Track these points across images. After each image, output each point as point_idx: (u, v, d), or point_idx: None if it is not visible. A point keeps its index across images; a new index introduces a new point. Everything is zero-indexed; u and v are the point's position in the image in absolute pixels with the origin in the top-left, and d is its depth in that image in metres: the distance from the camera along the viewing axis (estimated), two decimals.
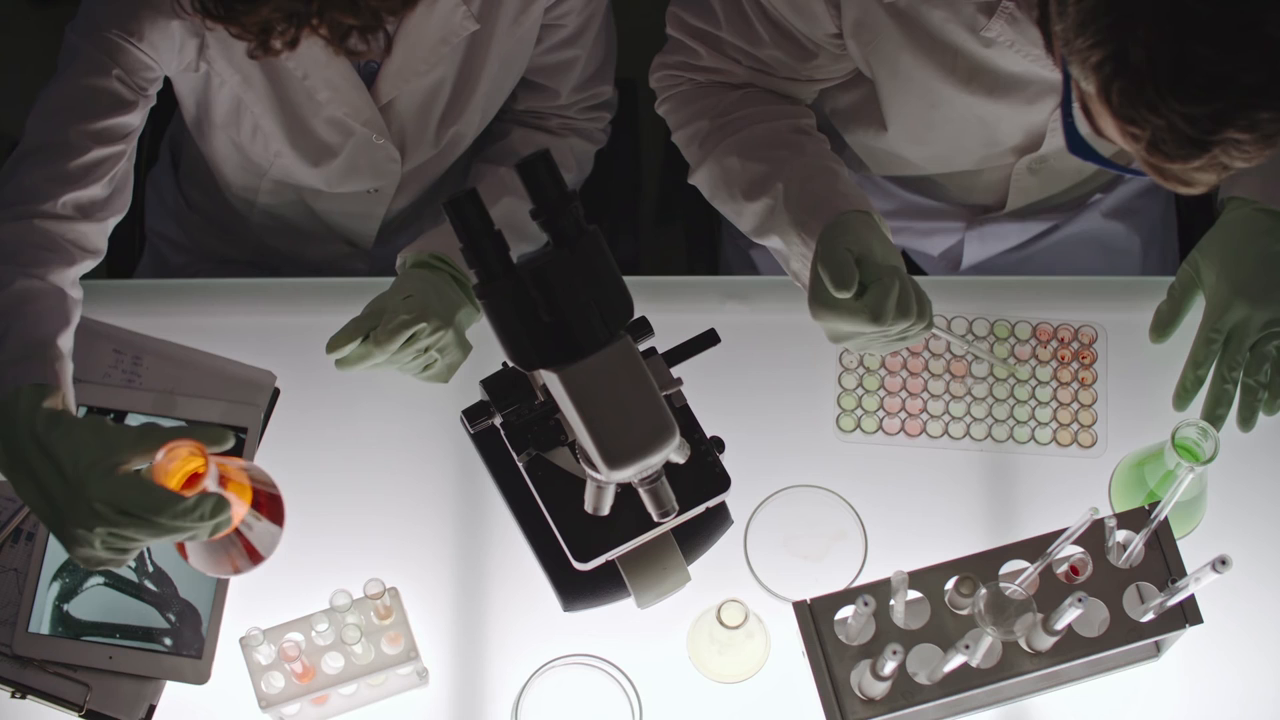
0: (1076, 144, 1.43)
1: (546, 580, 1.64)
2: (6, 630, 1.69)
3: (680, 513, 1.50)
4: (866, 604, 1.46)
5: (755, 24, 1.70)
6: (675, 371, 1.53)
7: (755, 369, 1.80)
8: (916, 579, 1.54)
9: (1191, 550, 1.60)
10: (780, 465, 1.74)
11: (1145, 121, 1.26)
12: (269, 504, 1.53)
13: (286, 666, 1.61)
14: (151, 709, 1.67)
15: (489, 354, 1.64)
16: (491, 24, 1.74)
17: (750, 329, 1.80)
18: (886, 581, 1.53)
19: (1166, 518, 1.53)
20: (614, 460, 1.37)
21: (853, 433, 1.78)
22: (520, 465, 1.55)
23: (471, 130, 1.88)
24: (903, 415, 1.79)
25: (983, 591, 1.49)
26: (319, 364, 1.72)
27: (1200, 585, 1.44)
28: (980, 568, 1.55)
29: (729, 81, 1.78)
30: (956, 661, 1.44)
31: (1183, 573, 1.55)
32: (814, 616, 1.54)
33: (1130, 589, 1.55)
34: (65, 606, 1.69)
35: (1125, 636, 1.53)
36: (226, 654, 1.68)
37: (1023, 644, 1.53)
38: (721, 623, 1.57)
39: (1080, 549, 1.55)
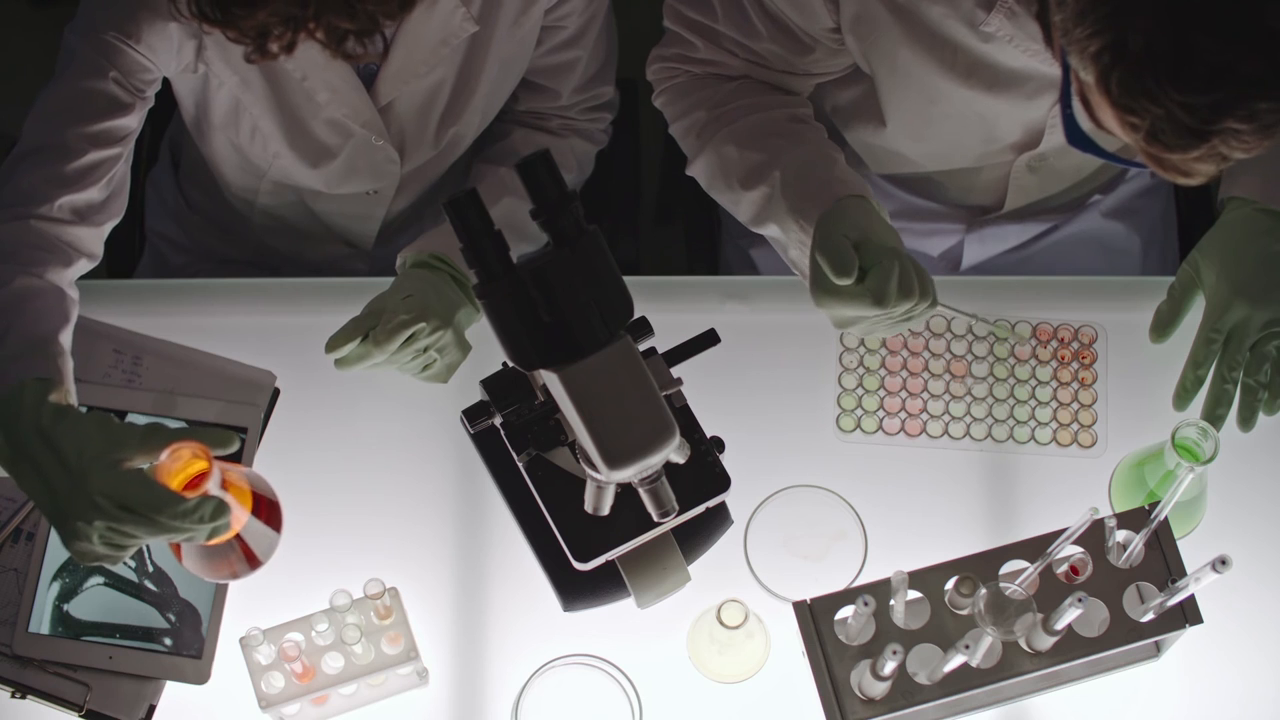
0: (1076, 136, 1.43)
1: (546, 580, 1.64)
2: (6, 630, 1.69)
3: (680, 513, 1.50)
4: (866, 604, 1.46)
5: (752, 18, 1.71)
6: (675, 371, 1.53)
7: (755, 369, 1.80)
8: (916, 579, 1.54)
9: (1191, 550, 1.60)
10: (780, 465, 1.74)
11: (1144, 111, 1.27)
12: (268, 510, 1.53)
13: (286, 666, 1.61)
14: (151, 709, 1.67)
15: (489, 354, 1.64)
16: (491, 26, 1.74)
17: (750, 329, 1.80)
18: (886, 581, 1.53)
19: (1166, 518, 1.53)
20: (614, 460, 1.37)
21: (853, 433, 1.78)
22: (520, 465, 1.55)
23: (471, 131, 1.88)
24: (903, 415, 1.79)
25: (983, 591, 1.49)
26: (319, 364, 1.72)
27: (1200, 585, 1.44)
28: (980, 568, 1.55)
29: (725, 74, 1.78)
30: (956, 661, 1.44)
31: (1183, 573, 1.55)
32: (814, 616, 1.54)
33: (1130, 589, 1.55)
34: (65, 606, 1.69)
35: (1125, 636, 1.53)
36: (226, 654, 1.68)
37: (1023, 644, 1.53)
38: (721, 623, 1.57)
39: (1080, 549, 1.55)
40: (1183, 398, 1.73)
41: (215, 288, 1.89)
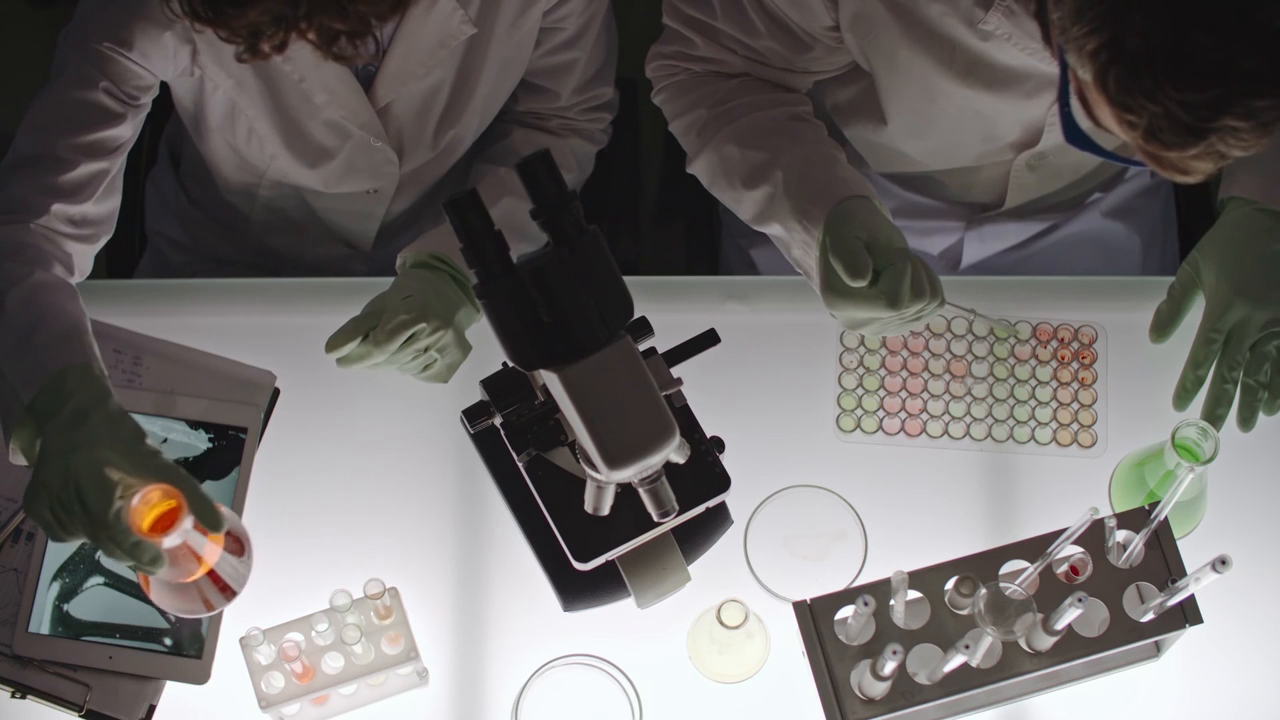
0: (1074, 134, 1.43)
1: (546, 580, 1.64)
2: (6, 630, 1.68)
3: (680, 513, 1.50)
4: (866, 604, 1.46)
5: (751, 15, 1.71)
6: (675, 371, 1.53)
7: (755, 369, 1.80)
8: (916, 579, 1.54)
9: (1191, 550, 1.60)
10: (780, 465, 1.74)
11: (1142, 109, 1.27)
12: (236, 545, 1.55)
13: (286, 666, 1.61)
14: (151, 709, 1.67)
15: (489, 354, 1.64)
16: (489, 28, 1.74)
17: (750, 329, 1.80)
18: (886, 581, 1.53)
19: (1166, 518, 1.53)
20: (614, 460, 1.37)
21: (853, 433, 1.78)
22: (520, 465, 1.55)
23: (470, 134, 1.88)
24: (903, 415, 1.79)
25: (983, 591, 1.49)
26: (319, 364, 1.72)
27: (1200, 585, 1.44)
28: (980, 568, 1.55)
29: (725, 71, 1.78)
30: (956, 661, 1.44)
31: (1183, 573, 1.55)
32: (814, 616, 1.54)
33: (1130, 589, 1.55)
34: (65, 606, 1.69)
35: (1125, 636, 1.53)
36: (226, 654, 1.68)
37: (1023, 644, 1.53)
38: (721, 623, 1.57)
39: (1080, 549, 1.55)
40: (1183, 398, 1.73)
41: (215, 288, 1.89)
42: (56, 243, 1.67)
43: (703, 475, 1.56)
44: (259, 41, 1.41)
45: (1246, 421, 1.71)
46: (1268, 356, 1.70)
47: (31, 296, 1.59)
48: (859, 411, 1.79)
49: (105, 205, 1.70)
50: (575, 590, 1.63)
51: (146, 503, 1.44)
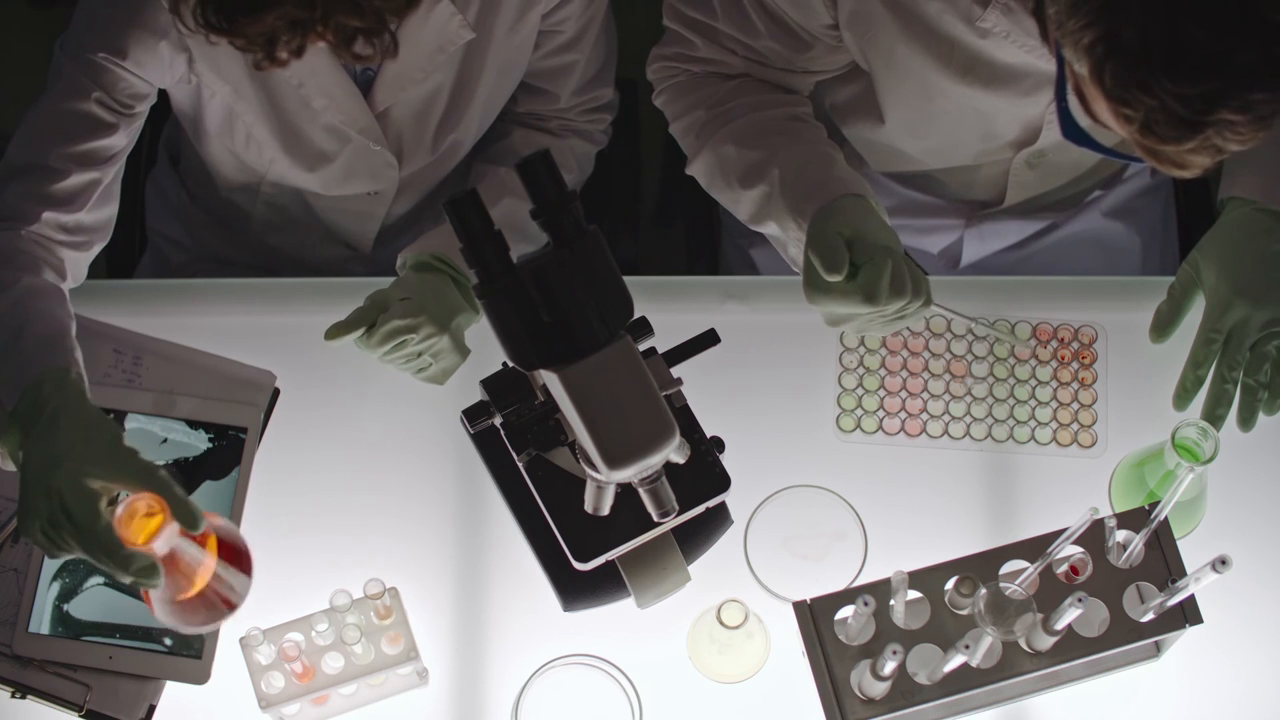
0: (1072, 131, 1.43)
1: (546, 580, 1.64)
2: (6, 630, 1.68)
3: (680, 513, 1.50)
4: (866, 604, 1.46)
5: (751, 15, 1.71)
6: (675, 371, 1.53)
7: (755, 369, 1.80)
8: (916, 579, 1.54)
9: (1191, 550, 1.60)
10: (780, 465, 1.74)
11: (1138, 102, 1.27)
12: (235, 557, 1.53)
13: (286, 666, 1.61)
14: (151, 709, 1.67)
15: (489, 354, 1.64)
16: (488, 32, 1.73)
17: (750, 329, 1.80)
18: (886, 581, 1.53)
19: (1166, 518, 1.53)
20: (614, 460, 1.37)
21: (853, 433, 1.78)
22: (520, 465, 1.55)
23: (470, 137, 1.88)
24: (903, 415, 1.79)
25: (983, 591, 1.49)
26: (319, 364, 1.72)
27: (1200, 585, 1.44)
28: (980, 568, 1.55)
29: (725, 72, 1.78)
30: (956, 661, 1.44)
31: (1183, 573, 1.55)
32: (814, 616, 1.54)
33: (1130, 589, 1.55)
34: (65, 606, 1.69)
35: (1125, 636, 1.53)
36: (226, 654, 1.68)
37: (1023, 644, 1.53)
38: (721, 623, 1.57)
39: (1080, 549, 1.55)
40: (1183, 398, 1.73)
41: (215, 288, 1.89)
42: (49, 248, 1.67)
43: (703, 475, 1.56)
44: (275, 49, 1.40)
45: (1246, 421, 1.71)
46: (1268, 356, 1.70)
47: (18, 302, 1.60)
48: (859, 411, 1.79)
49: (100, 213, 1.71)
50: (575, 590, 1.63)
51: (131, 514, 1.42)
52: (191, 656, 1.68)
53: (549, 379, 1.39)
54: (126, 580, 1.42)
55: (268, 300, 1.86)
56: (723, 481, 1.57)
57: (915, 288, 1.57)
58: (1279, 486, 1.75)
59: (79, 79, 1.65)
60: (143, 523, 1.42)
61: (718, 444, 1.59)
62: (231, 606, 1.52)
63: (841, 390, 1.80)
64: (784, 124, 1.74)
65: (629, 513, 1.52)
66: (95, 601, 1.69)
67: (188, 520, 1.44)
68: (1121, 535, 1.56)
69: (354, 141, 1.80)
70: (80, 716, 1.66)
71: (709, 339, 1.56)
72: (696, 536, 1.64)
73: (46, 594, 1.69)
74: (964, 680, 1.52)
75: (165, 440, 1.77)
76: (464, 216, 1.35)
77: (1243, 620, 1.69)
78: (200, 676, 1.68)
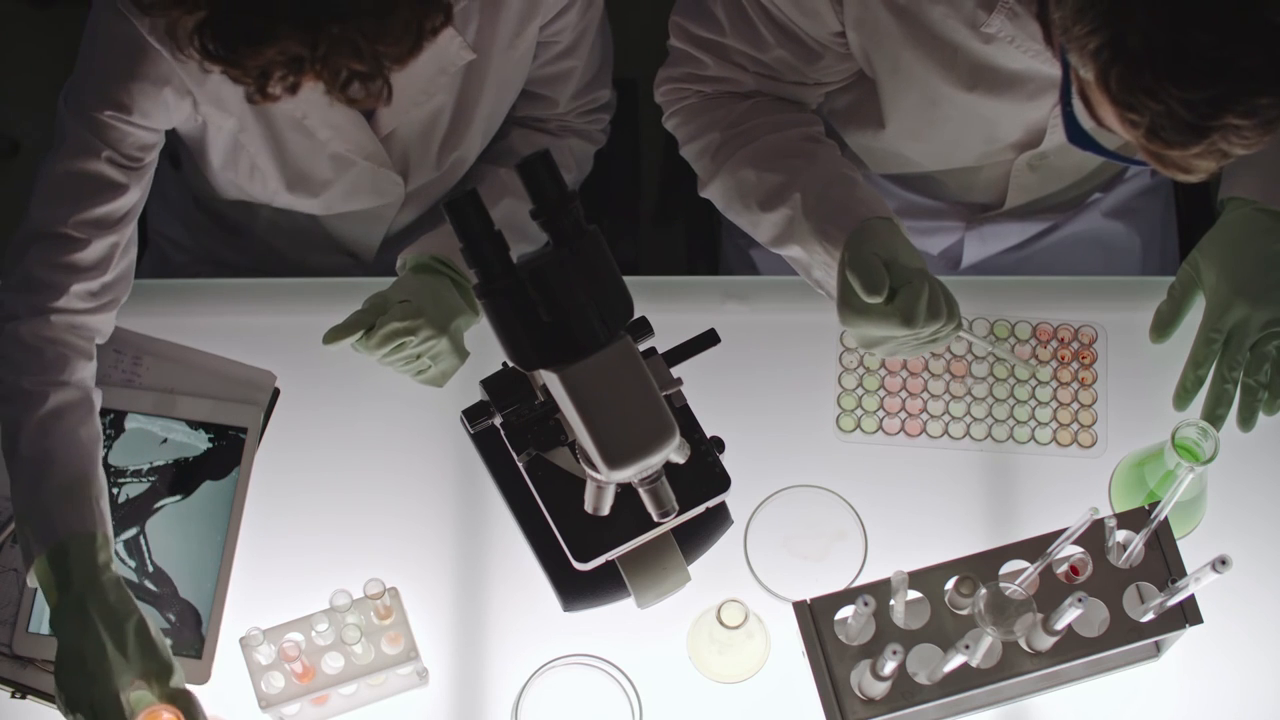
0: (1076, 134, 1.43)
1: (546, 580, 1.64)
2: (6, 630, 1.69)
3: (680, 513, 1.50)
4: (866, 604, 1.46)
5: (760, 28, 1.70)
6: (675, 371, 1.53)
7: (755, 369, 1.80)
8: (916, 579, 1.54)
9: (1191, 550, 1.60)
10: (780, 465, 1.74)
11: (1144, 107, 1.27)
12: None
13: (286, 666, 1.61)
14: None
15: (489, 354, 1.64)
16: (488, 51, 1.72)
17: (750, 329, 1.80)
18: (886, 581, 1.53)
19: (1166, 518, 1.53)
20: (614, 460, 1.37)
21: (853, 433, 1.78)
22: (520, 465, 1.55)
23: (473, 153, 1.87)
24: (903, 415, 1.79)
25: (983, 591, 1.49)
26: (319, 364, 1.72)
27: (1200, 585, 1.44)
28: (980, 568, 1.55)
29: (737, 91, 1.77)
30: (956, 661, 1.44)
31: (1183, 573, 1.55)
32: (814, 616, 1.54)
33: (1130, 589, 1.55)
34: None
35: (1125, 636, 1.53)
36: (226, 654, 1.68)
37: (1023, 644, 1.53)
38: (721, 623, 1.57)
39: (1080, 549, 1.55)
40: (1183, 398, 1.73)
41: (215, 288, 1.89)
42: (78, 329, 1.68)
43: (703, 475, 1.56)
44: (268, 83, 1.38)
45: (1246, 421, 1.71)
46: (1268, 356, 1.70)
47: (44, 432, 1.63)
48: (859, 411, 1.79)
49: (122, 266, 1.71)
50: (575, 590, 1.63)
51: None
52: (191, 656, 1.68)
53: (549, 379, 1.39)
54: None
55: (268, 300, 1.86)
56: (723, 481, 1.57)
57: (949, 311, 1.57)
58: (1279, 486, 1.75)
59: (86, 138, 1.64)
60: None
61: (718, 444, 1.59)
62: None
63: (841, 390, 1.80)
64: (801, 145, 1.72)
65: (629, 513, 1.52)
66: None
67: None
68: (1121, 535, 1.55)
69: (359, 165, 1.79)
70: None
71: (709, 339, 1.56)
72: (696, 536, 1.64)
73: None
74: (964, 680, 1.52)
75: (165, 440, 1.77)
76: (464, 217, 1.35)
77: (1243, 620, 1.69)
78: (200, 676, 1.68)
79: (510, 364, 1.42)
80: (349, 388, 1.79)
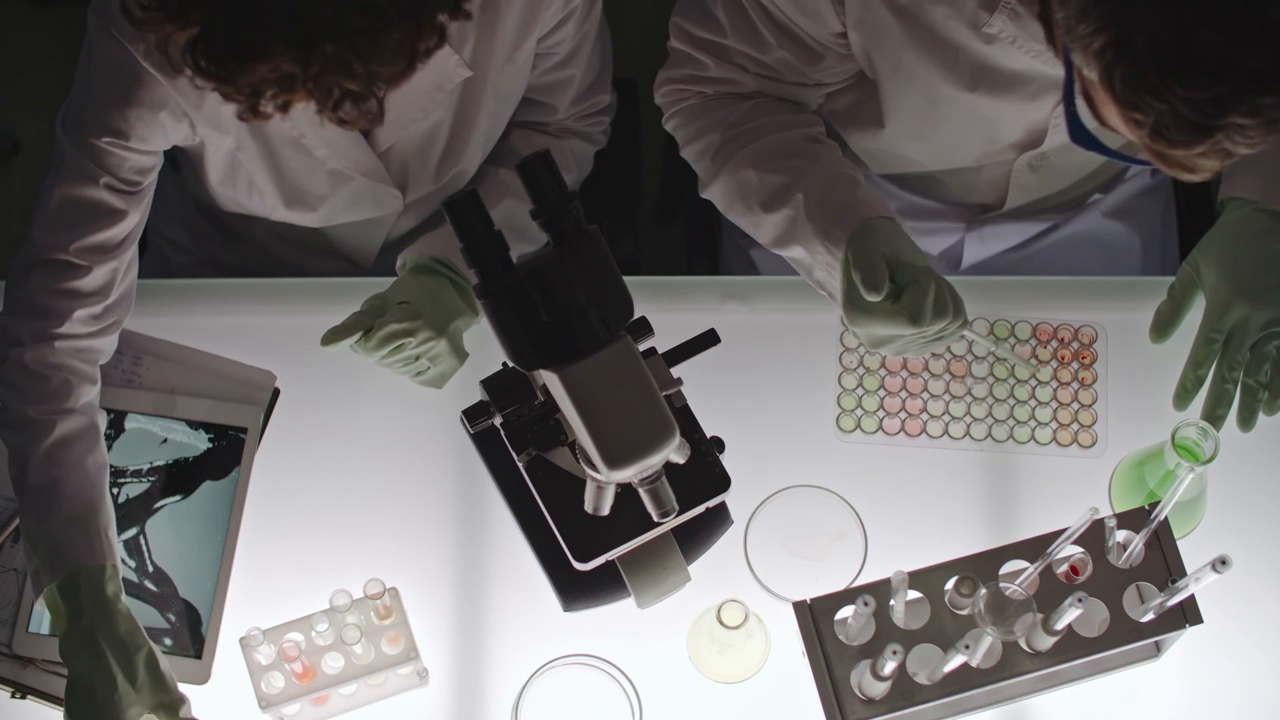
0: (1079, 134, 1.43)
1: (546, 580, 1.64)
2: (6, 630, 1.69)
3: (680, 513, 1.50)
4: (866, 604, 1.46)
5: (761, 29, 1.70)
6: (675, 371, 1.53)
7: (755, 369, 1.80)
8: (916, 579, 1.54)
9: (1191, 550, 1.60)
10: (780, 465, 1.74)
11: (1148, 107, 1.26)
12: None
13: (286, 666, 1.61)
14: None
15: (489, 354, 1.64)
16: (485, 67, 1.71)
17: (750, 329, 1.80)
18: (886, 581, 1.53)
19: (1166, 518, 1.53)
20: (614, 460, 1.37)
21: (853, 433, 1.78)
22: (520, 465, 1.55)
23: (473, 167, 1.86)
24: (903, 415, 1.78)
25: (983, 591, 1.49)
26: (319, 364, 1.72)
27: (1200, 585, 1.44)
28: (980, 568, 1.55)
29: (738, 92, 1.77)
30: (956, 661, 1.44)
31: (1183, 573, 1.55)
32: (814, 616, 1.54)
33: (1130, 589, 1.55)
34: None
35: (1125, 636, 1.53)
36: (226, 654, 1.68)
37: (1023, 644, 1.53)
38: (721, 623, 1.57)
39: (1080, 549, 1.55)
40: (1183, 398, 1.73)
41: (215, 288, 1.89)
42: (83, 353, 1.69)
43: (703, 475, 1.56)
44: (259, 101, 1.37)
45: (1246, 421, 1.71)
46: (1268, 356, 1.70)
47: (52, 461, 1.63)
48: (859, 412, 1.79)
49: (123, 288, 1.72)
50: (575, 590, 1.63)
51: None
52: (191, 656, 1.68)
53: (549, 379, 1.39)
54: None
55: (268, 300, 1.86)
56: (723, 481, 1.57)
57: (955, 309, 1.57)
58: (1279, 486, 1.75)
59: (84, 164, 1.64)
60: None
61: (718, 444, 1.59)
62: None
63: (841, 390, 1.80)
64: (802, 146, 1.72)
65: (629, 513, 1.52)
66: None
67: None
68: (1121, 535, 1.55)
69: (357, 181, 1.79)
70: None
71: (709, 339, 1.56)
72: (696, 536, 1.64)
73: None
74: (964, 680, 1.52)
75: (165, 440, 1.77)
76: (464, 217, 1.35)
77: (1243, 620, 1.69)
78: (200, 676, 1.68)
79: (510, 364, 1.42)
80: (349, 388, 1.79)
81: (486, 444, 1.64)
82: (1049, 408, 1.79)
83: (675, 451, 1.41)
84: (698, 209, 2.13)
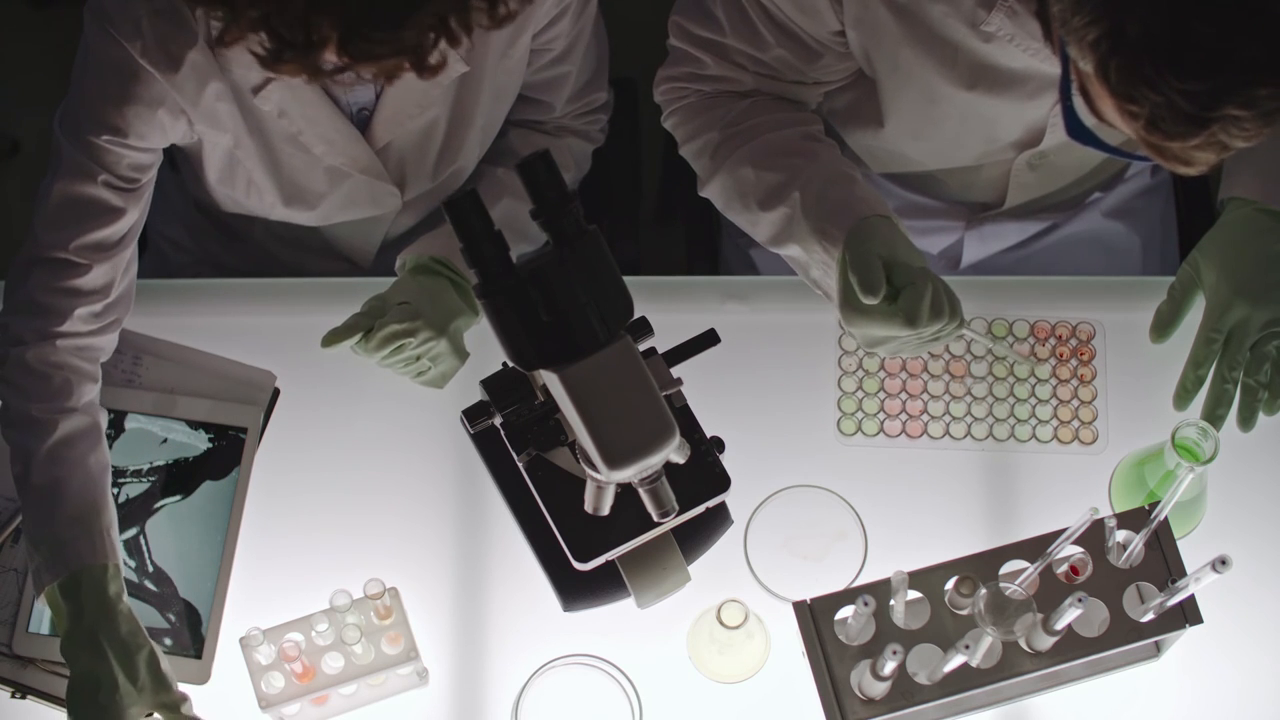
0: (1076, 129, 1.43)
1: (546, 580, 1.64)
2: (6, 630, 1.69)
3: (680, 513, 1.50)
4: (866, 604, 1.46)
5: (760, 28, 1.70)
6: (675, 371, 1.53)
7: (755, 369, 1.80)
8: (916, 579, 1.54)
9: (1191, 550, 1.60)
10: (780, 465, 1.74)
11: (1144, 99, 1.26)
12: None
13: (286, 666, 1.61)
14: None
15: (489, 354, 1.64)
16: (481, 63, 1.71)
17: (750, 329, 1.80)
18: (886, 581, 1.53)
19: (1166, 518, 1.53)
20: (614, 460, 1.37)
21: (853, 436, 1.78)
22: (520, 465, 1.55)
23: (471, 164, 1.87)
24: (903, 417, 1.78)
25: (983, 591, 1.49)
26: (319, 364, 1.72)
27: (1200, 585, 1.44)
28: (980, 568, 1.55)
29: (736, 90, 1.77)
30: (956, 661, 1.44)
31: (1183, 573, 1.55)
32: (814, 616, 1.54)
33: (1130, 589, 1.55)
34: None
35: (1125, 636, 1.53)
36: (226, 654, 1.68)
37: (1023, 644, 1.53)
38: (721, 623, 1.57)
39: (1080, 549, 1.55)
40: (1183, 398, 1.73)
41: (215, 288, 1.89)
42: (84, 351, 1.69)
43: (703, 475, 1.56)
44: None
45: (1246, 421, 1.71)
46: (1268, 356, 1.70)
47: (54, 460, 1.63)
48: (859, 415, 1.79)
49: (123, 286, 1.72)
50: (575, 590, 1.63)
51: None
52: (191, 656, 1.68)
53: (549, 379, 1.39)
54: None
55: (268, 300, 1.86)
56: (723, 481, 1.57)
57: (952, 310, 1.57)
58: (1279, 486, 1.75)
59: (83, 162, 1.64)
60: None
61: (718, 444, 1.59)
62: None
63: (841, 393, 1.79)
64: (800, 144, 1.72)
65: (629, 513, 1.52)
66: None
67: None
68: (1121, 535, 1.56)
69: (355, 178, 1.79)
70: None
71: (709, 339, 1.56)
72: (696, 536, 1.64)
73: None
74: (964, 680, 1.52)
75: (165, 440, 1.77)
76: (464, 217, 1.35)
77: (1243, 620, 1.69)
78: (200, 676, 1.68)
79: (510, 364, 1.42)
80: (349, 388, 1.79)
81: (486, 444, 1.64)
82: (1049, 405, 1.79)
83: (675, 451, 1.41)
84: (697, 209, 2.13)
